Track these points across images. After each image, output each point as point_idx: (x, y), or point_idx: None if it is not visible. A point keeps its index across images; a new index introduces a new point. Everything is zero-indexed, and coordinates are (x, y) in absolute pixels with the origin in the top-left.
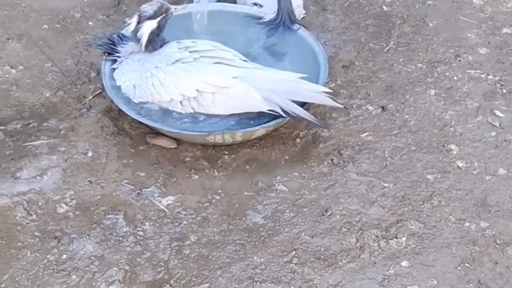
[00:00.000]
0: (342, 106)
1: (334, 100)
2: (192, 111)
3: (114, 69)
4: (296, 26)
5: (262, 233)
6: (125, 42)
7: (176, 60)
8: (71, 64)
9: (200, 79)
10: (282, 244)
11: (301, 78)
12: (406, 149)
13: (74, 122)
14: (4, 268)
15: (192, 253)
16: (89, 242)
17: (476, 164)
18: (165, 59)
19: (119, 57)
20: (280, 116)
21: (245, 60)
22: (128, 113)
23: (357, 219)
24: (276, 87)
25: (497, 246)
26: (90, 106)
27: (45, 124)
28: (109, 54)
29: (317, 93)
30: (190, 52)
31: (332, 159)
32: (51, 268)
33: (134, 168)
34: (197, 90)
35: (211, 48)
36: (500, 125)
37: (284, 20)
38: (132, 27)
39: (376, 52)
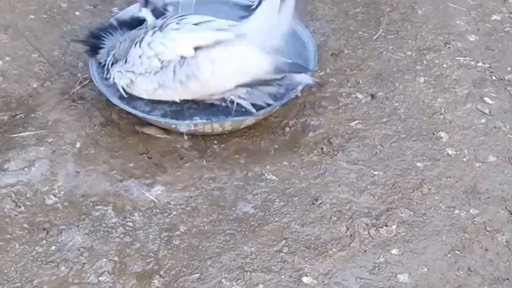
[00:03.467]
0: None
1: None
2: (189, 97)
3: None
4: None
5: (252, 223)
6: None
7: (155, 29)
8: (58, 54)
9: (196, 35)
10: (272, 234)
11: None
12: (396, 137)
13: (62, 113)
14: None
15: (182, 244)
16: (78, 233)
17: (465, 151)
18: (142, 30)
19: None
20: (270, 105)
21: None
22: (114, 102)
23: (347, 207)
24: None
25: (487, 233)
26: (78, 96)
27: (32, 115)
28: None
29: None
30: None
31: (321, 148)
32: (39, 259)
33: (122, 159)
34: (195, 48)
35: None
36: (489, 112)
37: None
38: None
39: (365, 40)
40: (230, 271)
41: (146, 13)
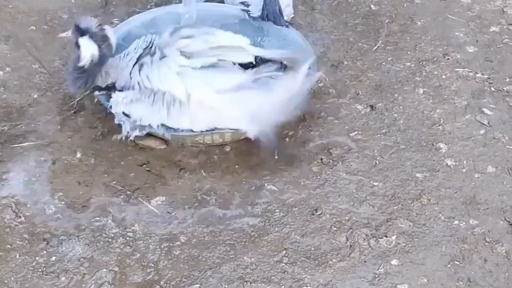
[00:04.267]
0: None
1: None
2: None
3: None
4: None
5: (252, 233)
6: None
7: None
8: (58, 65)
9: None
10: (272, 244)
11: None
12: (395, 147)
13: (63, 123)
14: None
15: (182, 254)
16: (78, 243)
17: (465, 162)
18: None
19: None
20: None
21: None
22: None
23: (347, 218)
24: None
25: (487, 243)
26: (78, 107)
27: (33, 125)
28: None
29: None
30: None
31: (321, 159)
32: (40, 270)
33: (123, 169)
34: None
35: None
36: (488, 123)
37: (268, 20)
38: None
39: (365, 51)
40: (230, 281)
41: (88, 45)
